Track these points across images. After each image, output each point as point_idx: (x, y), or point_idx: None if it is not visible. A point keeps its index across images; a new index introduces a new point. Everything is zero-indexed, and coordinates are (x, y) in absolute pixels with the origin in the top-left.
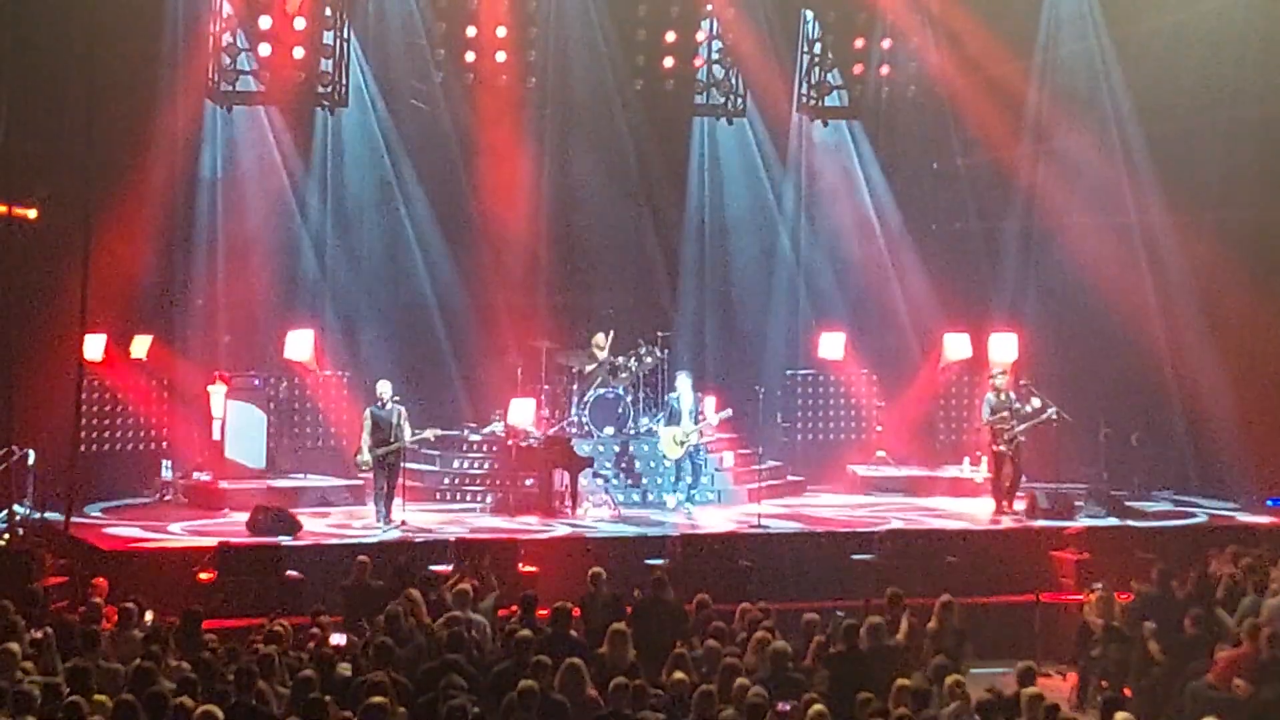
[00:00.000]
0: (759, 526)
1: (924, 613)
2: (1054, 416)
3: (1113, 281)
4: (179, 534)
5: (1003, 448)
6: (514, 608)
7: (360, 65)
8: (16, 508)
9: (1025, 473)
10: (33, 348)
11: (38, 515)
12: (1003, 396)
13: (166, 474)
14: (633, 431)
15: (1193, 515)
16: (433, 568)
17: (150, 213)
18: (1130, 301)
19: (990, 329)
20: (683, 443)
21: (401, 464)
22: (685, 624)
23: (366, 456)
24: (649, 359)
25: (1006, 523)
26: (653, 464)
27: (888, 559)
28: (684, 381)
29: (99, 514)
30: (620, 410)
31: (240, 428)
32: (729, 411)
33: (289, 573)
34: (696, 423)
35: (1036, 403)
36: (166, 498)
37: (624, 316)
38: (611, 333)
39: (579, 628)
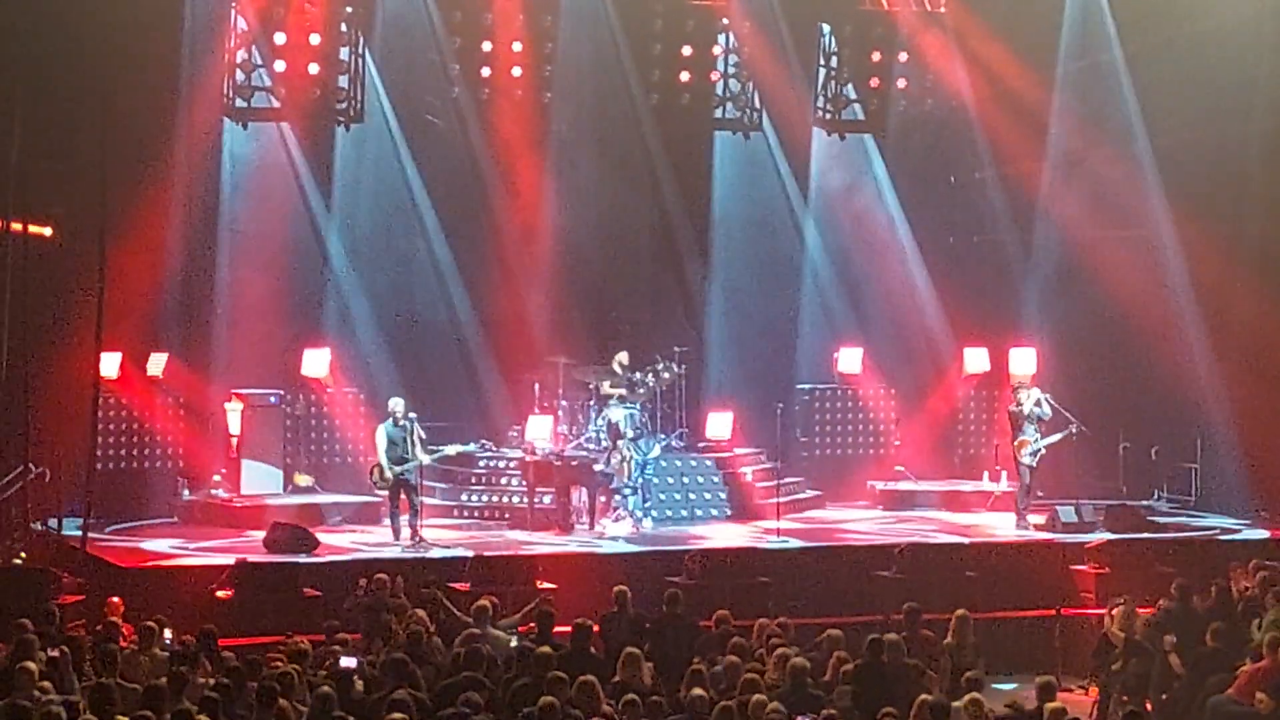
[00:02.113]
0: (778, 542)
1: (942, 628)
2: (1074, 433)
3: (1131, 294)
4: (196, 552)
5: (1028, 461)
6: (532, 624)
7: (376, 81)
8: (33, 526)
9: (1044, 487)
10: (49, 366)
11: (55, 533)
12: (1028, 410)
13: (183, 492)
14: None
15: (1213, 529)
16: (451, 584)
17: (166, 230)
18: (1149, 314)
19: (1009, 343)
20: (622, 461)
21: (418, 481)
22: (699, 640)
23: (388, 474)
24: (667, 375)
25: (1032, 536)
26: (670, 480)
27: (907, 574)
28: (618, 411)
29: (116, 532)
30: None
31: (257, 445)
32: (665, 438)
33: (306, 590)
34: (635, 441)
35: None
36: (183, 516)
37: (642, 332)
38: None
39: (599, 645)
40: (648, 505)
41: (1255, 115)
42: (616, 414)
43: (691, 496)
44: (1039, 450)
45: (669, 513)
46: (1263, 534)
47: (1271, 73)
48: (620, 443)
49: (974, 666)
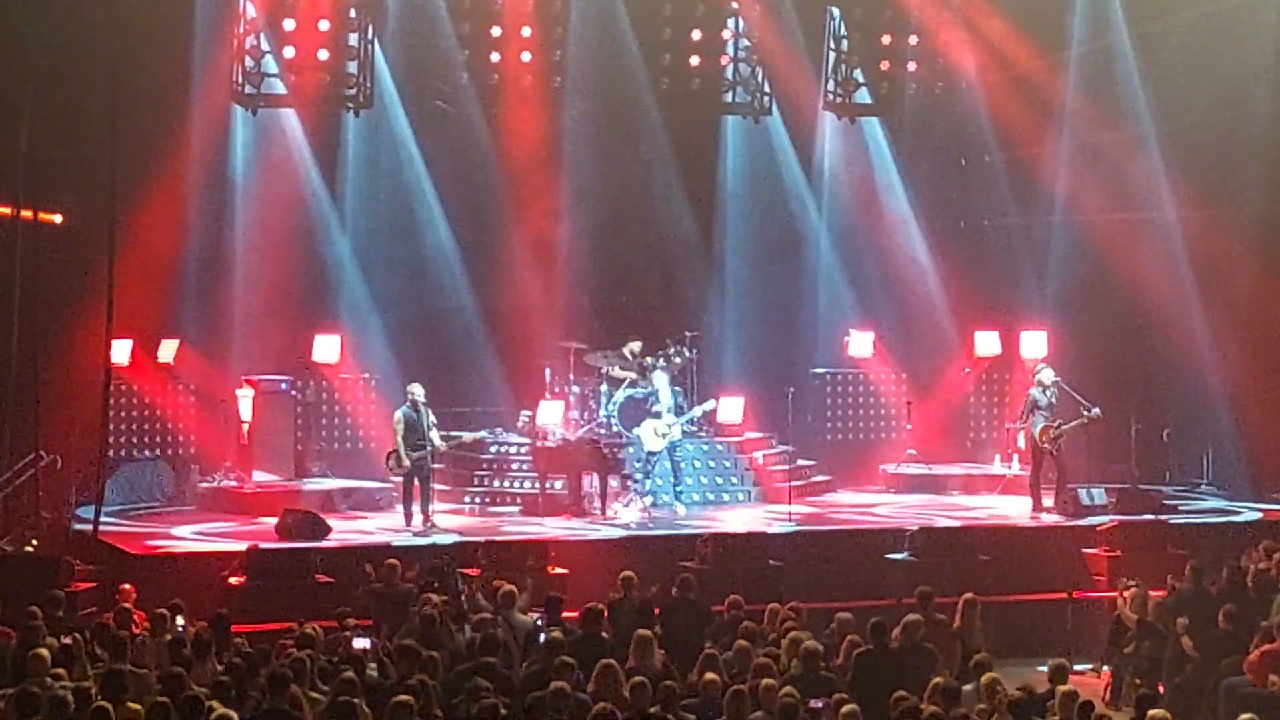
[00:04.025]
0: (790, 526)
1: (953, 611)
2: (1090, 416)
3: (1142, 277)
4: (208, 538)
5: (1047, 445)
6: (542, 609)
7: (385, 67)
8: (44, 513)
9: (1054, 470)
10: (60, 353)
11: (66, 520)
12: (1047, 394)
13: (195, 479)
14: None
15: (1225, 511)
16: (462, 570)
17: (175, 216)
18: (1159, 297)
19: (1019, 325)
20: (664, 434)
21: (431, 466)
22: (712, 624)
23: (406, 461)
24: (678, 359)
25: (1046, 520)
26: (683, 465)
27: (920, 557)
28: (661, 378)
29: (127, 519)
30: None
31: (268, 431)
32: (712, 403)
33: (318, 576)
34: (678, 416)
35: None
36: (195, 503)
37: (652, 317)
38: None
39: (608, 631)
40: (679, 489)
41: (1267, 97)
42: (660, 379)
43: (703, 481)
44: (1060, 435)
45: (694, 497)
46: (1276, 514)
47: (1278, 54)
48: (667, 416)
49: (984, 649)
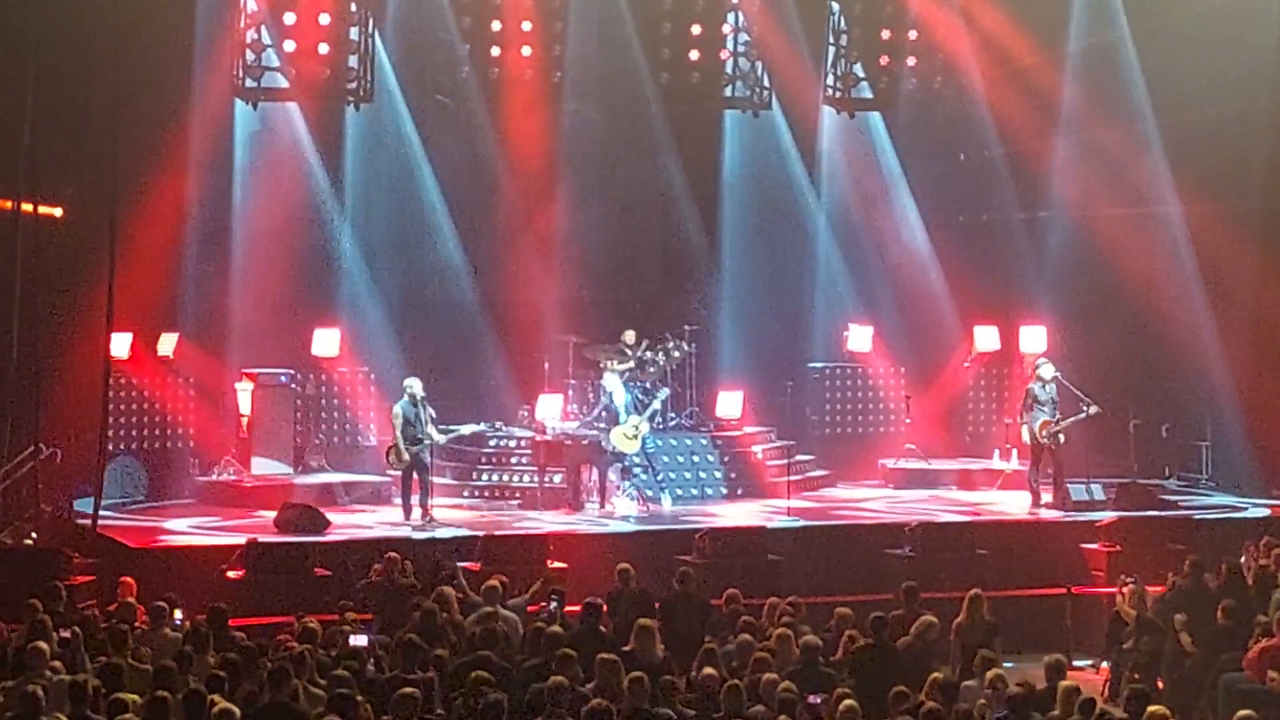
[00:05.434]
0: (789, 521)
1: (952, 606)
2: (1090, 412)
3: (1140, 272)
4: (206, 532)
5: (1046, 441)
6: (542, 604)
7: (386, 60)
8: (44, 506)
9: (1052, 465)
10: (59, 347)
11: (65, 514)
12: (1047, 389)
13: (194, 472)
14: (661, 426)
15: (1225, 506)
16: (461, 564)
17: (176, 210)
18: (1158, 292)
19: (1018, 320)
20: (634, 435)
21: (430, 460)
22: (712, 619)
23: (405, 456)
24: (677, 353)
25: (1044, 515)
26: (680, 459)
27: (918, 552)
28: (612, 379)
29: (126, 512)
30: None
31: (267, 425)
32: (666, 391)
33: (317, 570)
34: (639, 413)
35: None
36: (194, 496)
37: (652, 311)
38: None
39: (607, 623)
40: (660, 481)
41: (1264, 92)
42: (611, 380)
43: (702, 475)
44: (1058, 431)
45: (679, 491)
46: (1274, 511)
47: (1275, 50)
48: (630, 415)
49: (990, 645)
